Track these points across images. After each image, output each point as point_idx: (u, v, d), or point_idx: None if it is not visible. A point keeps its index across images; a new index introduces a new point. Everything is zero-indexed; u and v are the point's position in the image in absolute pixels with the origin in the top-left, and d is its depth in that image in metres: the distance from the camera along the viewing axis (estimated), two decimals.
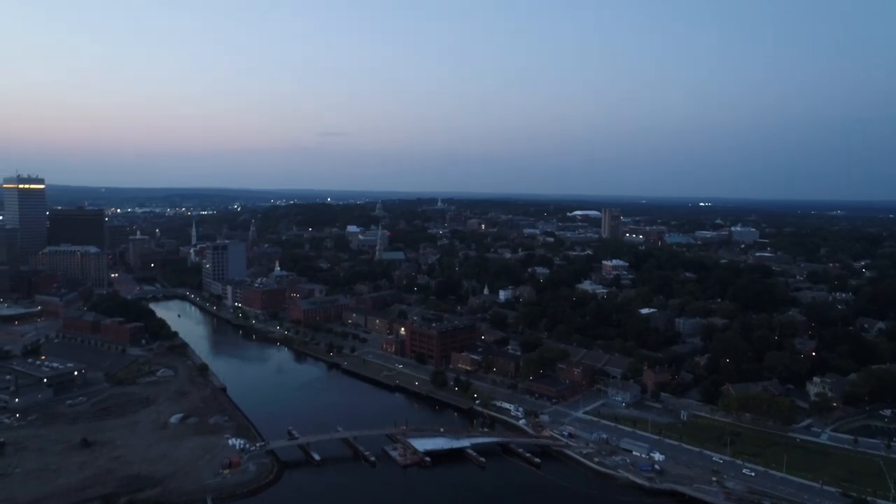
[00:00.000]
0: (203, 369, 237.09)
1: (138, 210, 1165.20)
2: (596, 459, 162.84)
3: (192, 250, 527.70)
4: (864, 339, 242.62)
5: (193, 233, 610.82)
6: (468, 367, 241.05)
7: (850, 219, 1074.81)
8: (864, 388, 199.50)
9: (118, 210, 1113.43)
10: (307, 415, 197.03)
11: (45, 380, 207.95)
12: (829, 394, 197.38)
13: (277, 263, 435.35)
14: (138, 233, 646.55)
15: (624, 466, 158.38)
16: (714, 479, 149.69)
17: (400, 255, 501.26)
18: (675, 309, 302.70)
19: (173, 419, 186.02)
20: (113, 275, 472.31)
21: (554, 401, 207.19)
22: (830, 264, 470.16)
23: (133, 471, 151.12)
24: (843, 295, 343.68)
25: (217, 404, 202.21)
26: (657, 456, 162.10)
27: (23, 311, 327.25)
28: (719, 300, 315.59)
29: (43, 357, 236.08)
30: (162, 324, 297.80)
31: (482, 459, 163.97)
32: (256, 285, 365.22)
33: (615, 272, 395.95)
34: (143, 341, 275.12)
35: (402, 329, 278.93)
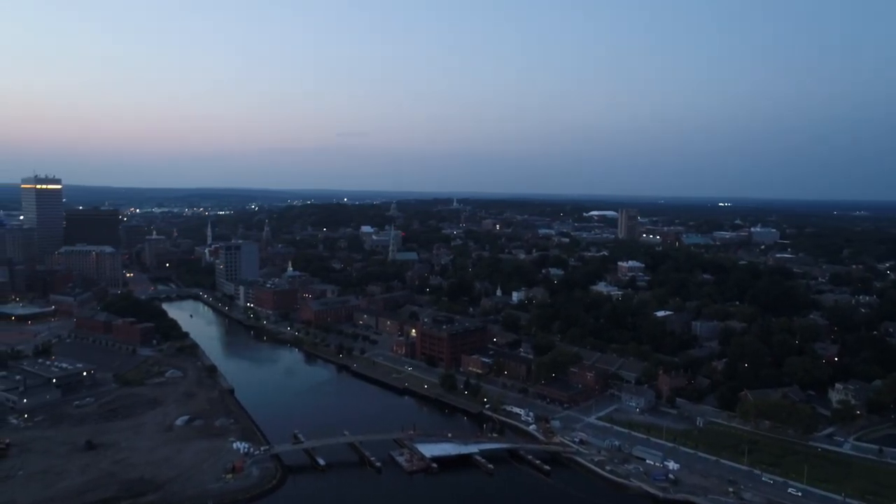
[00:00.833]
0: (212, 370, 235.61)
1: (156, 210, 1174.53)
2: (608, 467, 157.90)
3: (206, 250, 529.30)
4: (888, 344, 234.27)
5: (209, 233, 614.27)
6: (479, 370, 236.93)
7: (874, 219, 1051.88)
8: (889, 396, 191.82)
9: (137, 210, 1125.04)
10: (314, 418, 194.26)
11: (53, 380, 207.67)
12: (853, 401, 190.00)
13: (290, 264, 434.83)
14: (154, 233, 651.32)
15: (637, 475, 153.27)
16: (731, 489, 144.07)
17: (413, 255, 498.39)
18: (692, 312, 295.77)
19: (179, 421, 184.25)
20: (128, 274, 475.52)
21: (566, 406, 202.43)
22: (854, 266, 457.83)
23: (136, 474, 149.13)
24: (867, 298, 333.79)
25: (224, 406, 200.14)
26: (671, 465, 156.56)
27: (37, 310, 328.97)
28: (738, 303, 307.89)
29: (53, 357, 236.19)
30: (173, 324, 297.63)
31: (490, 466, 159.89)
32: (268, 286, 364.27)
33: (631, 273, 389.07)
34: (154, 342, 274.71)
35: (413, 331, 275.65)
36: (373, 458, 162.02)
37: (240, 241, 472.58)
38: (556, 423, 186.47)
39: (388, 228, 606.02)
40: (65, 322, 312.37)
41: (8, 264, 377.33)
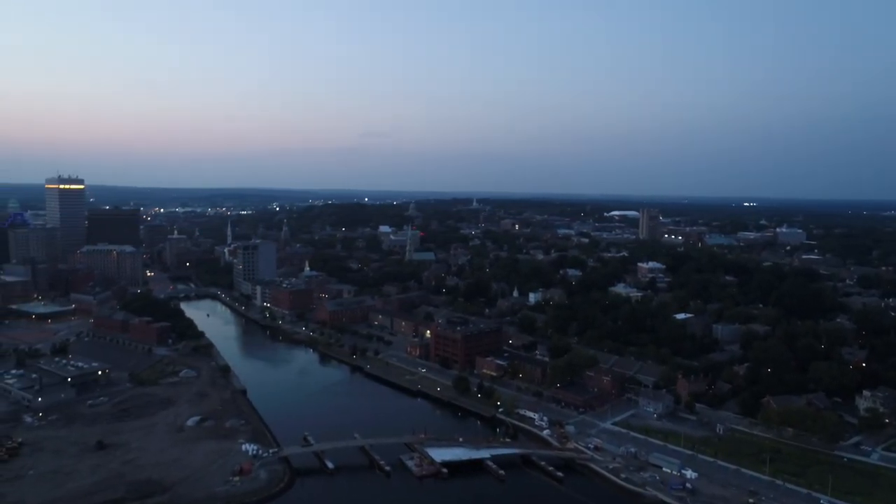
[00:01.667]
0: (225, 370, 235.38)
1: (179, 210, 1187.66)
2: (623, 475, 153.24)
3: (226, 250, 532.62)
4: None
5: (228, 232, 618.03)
6: (493, 373, 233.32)
7: None
8: None
9: (161, 210, 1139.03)
10: (325, 420, 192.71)
11: (69, 379, 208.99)
12: (881, 409, 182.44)
13: (307, 263, 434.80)
14: (176, 232, 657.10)
15: (653, 484, 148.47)
16: (751, 500, 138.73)
17: (430, 255, 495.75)
18: (714, 314, 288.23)
19: (190, 422, 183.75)
20: (149, 273, 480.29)
21: (581, 410, 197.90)
22: (883, 268, 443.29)
23: (144, 475, 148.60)
24: None
25: (235, 407, 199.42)
26: (689, 473, 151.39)
27: (57, 309, 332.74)
28: (761, 305, 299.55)
29: (70, 356, 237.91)
30: (189, 324, 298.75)
31: (502, 472, 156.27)
32: (285, 285, 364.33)
33: (651, 275, 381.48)
34: (170, 341, 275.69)
35: (428, 332, 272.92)
36: (382, 462, 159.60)
37: (257, 241, 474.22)
38: (570, 428, 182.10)
39: (406, 228, 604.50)
40: (84, 321, 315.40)
41: (31, 263, 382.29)
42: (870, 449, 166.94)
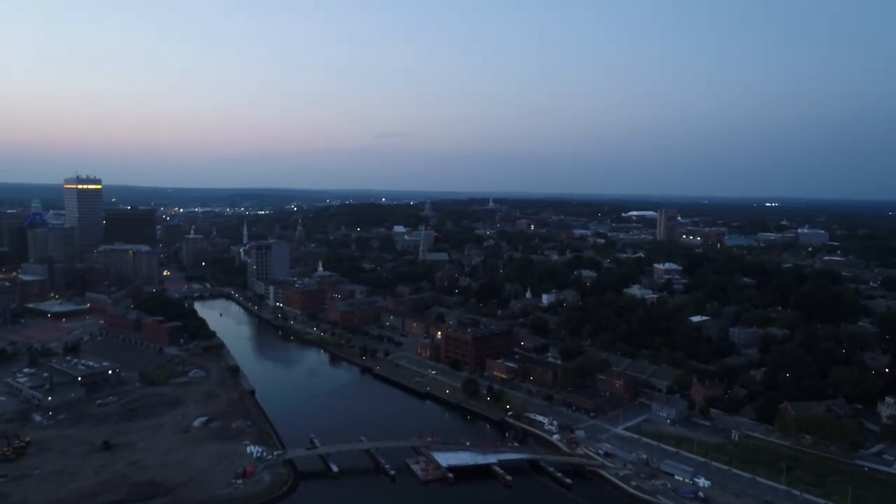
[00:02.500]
0: (234, 371, 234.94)
1: (198, 210, 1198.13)
2: (633, 483, 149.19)
3: (241, 250, 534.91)
4: None
5: (244, 232, 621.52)
6: (504, 375, 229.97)
7: None
8: None
9: (181, 210, 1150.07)
10: (332, 422, 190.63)
11: (79, 378, 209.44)
12: None
13: (320, 263, 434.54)
14: (192, 232, 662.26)
15: (664, 492, 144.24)
16: None
17: (444, 255, 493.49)
18: (731, 317, 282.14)
19: (196, 422, 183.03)
20: (166, 273, 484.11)
21: (592, 414, 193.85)
22: None
23: (147, 476, 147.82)
24: None
25: (243, 408, 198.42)
26: (702, 482, 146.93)
27: (72, 308, 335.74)
28: (780, 308, 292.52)
29: (81, 356, 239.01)
30: (201, 323, 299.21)
31: (508, 478, 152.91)
32: (297, 285, 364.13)
33: (667, 276, 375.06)
34: (182, 341, 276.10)
35: (439, 333, 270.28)
36: (388, 466, 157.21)
37: (271, 241, 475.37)
38: (580, 433, 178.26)
39: (420, 228, 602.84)
40: (99, 320, 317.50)
41: (48, 262, 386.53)
42: (892, 458, 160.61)
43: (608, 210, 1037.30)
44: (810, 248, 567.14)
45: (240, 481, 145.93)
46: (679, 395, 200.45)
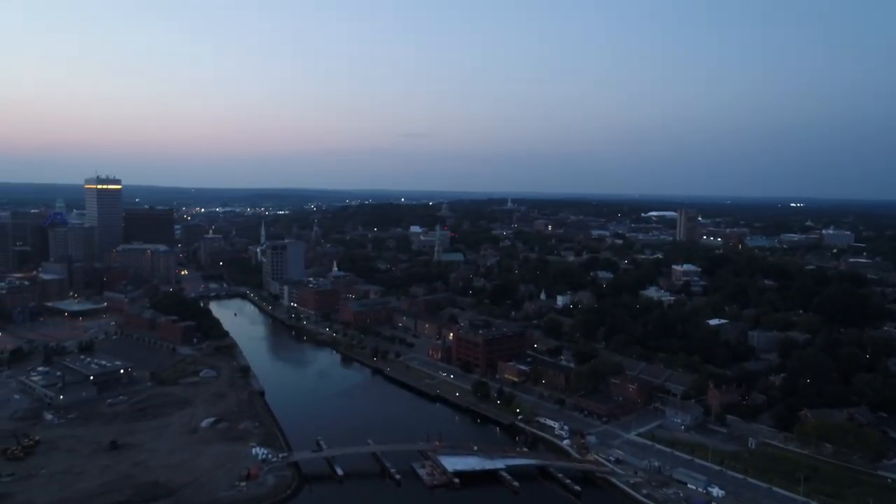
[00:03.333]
0: (245, 371, 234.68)
1: (219, 210, 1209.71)
2: (644, 491, 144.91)
3: (258, 249, 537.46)
4: None
5: (262, 232, 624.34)
6: (515, 378, 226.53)
7: None
8: None
9: (202, 209, 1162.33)
10: (340, 424, 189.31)
11: (91, 377, 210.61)
12: None
13: (335, 264, 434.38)
14: (211, 231, 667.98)
15: (676, 501, 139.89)
16: None
17: (459, 256, 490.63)
18: (750, 320, 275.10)
19: (204, 423, 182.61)
20: (184, 272, 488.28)
21: (604, 419, 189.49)
22: None
23: (151, 477, 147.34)
24: None
25: (251, 409, 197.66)
26: (716, 491, 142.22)
27: (89, 307, 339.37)
28: (802, 311, 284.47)
29: (94, 354, 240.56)
30: (215, 323, 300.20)
31: (516, 484, 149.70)
32: (311, 285, 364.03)
33: (685, 278, 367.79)
34: (195, 340, 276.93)
35: (451, 334, 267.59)
36: (393, 470, 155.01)
37: (287, 241, 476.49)
38: (591, 439, 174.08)
39: (437, 228, 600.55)
40: (116, 319, 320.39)
41: (67, 262, 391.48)
42: None
43: (628, 210, 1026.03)
44: (835, 250, 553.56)
45: (243, 483, 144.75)
46: (695, 401, 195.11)
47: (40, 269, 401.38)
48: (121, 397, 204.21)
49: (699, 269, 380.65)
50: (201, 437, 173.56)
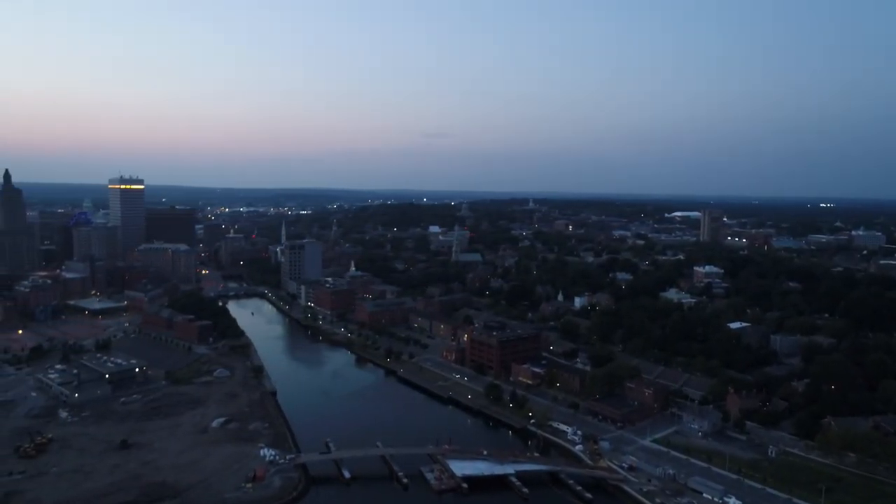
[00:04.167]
0: (258, 371, 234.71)
1: (243, 209, 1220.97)
2: (657, 500, 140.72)
3: (278, 249, 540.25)
4: None
5: (283, 232, 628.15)
6: (529, 381, 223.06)
7: None
8: None
9: (226, 209, 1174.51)
10: (350, 425, 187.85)
11: (106, 376, 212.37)
12: None
13: (353, 263, 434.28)
14: (232, 231, 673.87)
15: None
16: None
17: (476, 256, 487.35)
18: (773, 324, 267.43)
19: (214, 423, 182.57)
20: (204, 271, 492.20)
21: (619, 424, 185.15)
22: None
23: (159, 477, 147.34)
24: None
25: (262, 409, 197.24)
26: (732, 501, 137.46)
27: (109, 305, 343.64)
28: (827, 315, 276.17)
29: (111, 353, 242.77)
30: (231, 322, 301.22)
31: (525, 490, 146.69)
32: (328, 285, 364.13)
33: (707, 280, 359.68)
34: (211, 339, 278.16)
35: (465, 336, 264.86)
36: (401, 474, 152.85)
37: (305, 241, 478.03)
38: (605, 445, 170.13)
39: (455, 228, 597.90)
40: (135, 317, 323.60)
41: (89, 260, 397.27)
42: None
43: (651, 210, 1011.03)
44: (865, 252, 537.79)
45: (249, 485, 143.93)
46: (713, 407, 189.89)
47: (64, 267, 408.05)
48: (134, 396, 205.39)
49: (721, 271, 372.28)
50: (211, 438, 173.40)
